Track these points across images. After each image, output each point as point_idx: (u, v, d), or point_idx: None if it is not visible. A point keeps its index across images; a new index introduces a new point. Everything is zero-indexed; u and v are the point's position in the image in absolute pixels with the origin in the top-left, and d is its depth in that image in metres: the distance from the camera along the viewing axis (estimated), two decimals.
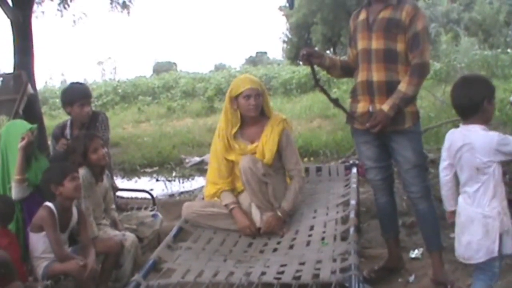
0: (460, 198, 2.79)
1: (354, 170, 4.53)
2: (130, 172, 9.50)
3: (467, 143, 2.67)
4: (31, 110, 6.84)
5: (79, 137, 3.81)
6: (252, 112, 3.74)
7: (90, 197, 3.68)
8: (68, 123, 4.28)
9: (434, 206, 3.50)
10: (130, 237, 3.70)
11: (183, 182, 8.53)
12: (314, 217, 3.77)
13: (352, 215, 3.49)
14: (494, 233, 2.63)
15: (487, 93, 2.70)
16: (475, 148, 2.64)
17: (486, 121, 2.72)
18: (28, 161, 3.60)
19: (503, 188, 2.68)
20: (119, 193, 4.93)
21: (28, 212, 3.53)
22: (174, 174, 9.09)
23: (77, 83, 4.69)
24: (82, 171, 3.59)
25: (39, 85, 12.73)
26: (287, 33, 32.76)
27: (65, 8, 10.20)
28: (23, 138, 3.56)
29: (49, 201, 3.34)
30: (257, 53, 49.41)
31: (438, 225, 3.52)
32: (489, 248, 2.64)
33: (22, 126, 3.74)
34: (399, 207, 4.42)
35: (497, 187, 2.64)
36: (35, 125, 3.76)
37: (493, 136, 2.63)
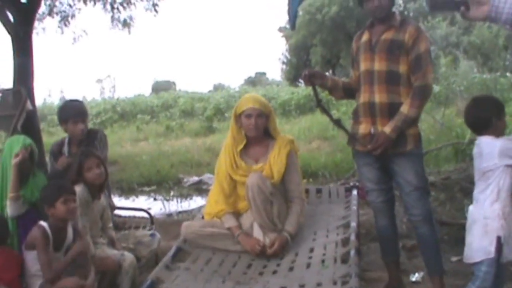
0: (472, 205, 2.95)
1: (355, 192, 4.49)
2: (128, 190, 9.47)
3: (478, 151, 2.89)
4: (29, 126, 6.82)
5: (76, 154, 3.76)
6: (252, 132, 3.67)
7: (87, 215, 3.63)
8: (66, 140, 4.25)
9: (435, 230, 3.47)
10: (129, 257, 3.63)
11: (181, 202, 8.48)
12: (314, 239, 3.72)
13: (352, 237, 3.44)
14: (492, 234, 2.76)
15: (495, 111, 2.90)
16: (482, 153, 2.85)
17: (498, 135, 2.88)
18: (26, 178, 3.56)
19: (508, 195, 2.81)
20: (116, 212, 4.88)
21: (24, 229, 3.49)
22: (172, 193, 9.05)
23: (73, 100, 4.62)
24: (79, 189, 3.55)
25: (38, 102, 12.73)
26: (287, 54, 32.98)
27: (65, 25, 10.29)
28: (17, 155, 3.52)
29: (46, 219, 3.29)
30: (256, 73, 49.63)
31: (439, 249, 3.48)
32: (486, 249, 2.76)
33: (22, 142, 3.71)
34: (400, 230, 4.39)
35: (501, 192, 2.79)
36: (28, 141, 3.71)
37: (497, 141, 2.82)
